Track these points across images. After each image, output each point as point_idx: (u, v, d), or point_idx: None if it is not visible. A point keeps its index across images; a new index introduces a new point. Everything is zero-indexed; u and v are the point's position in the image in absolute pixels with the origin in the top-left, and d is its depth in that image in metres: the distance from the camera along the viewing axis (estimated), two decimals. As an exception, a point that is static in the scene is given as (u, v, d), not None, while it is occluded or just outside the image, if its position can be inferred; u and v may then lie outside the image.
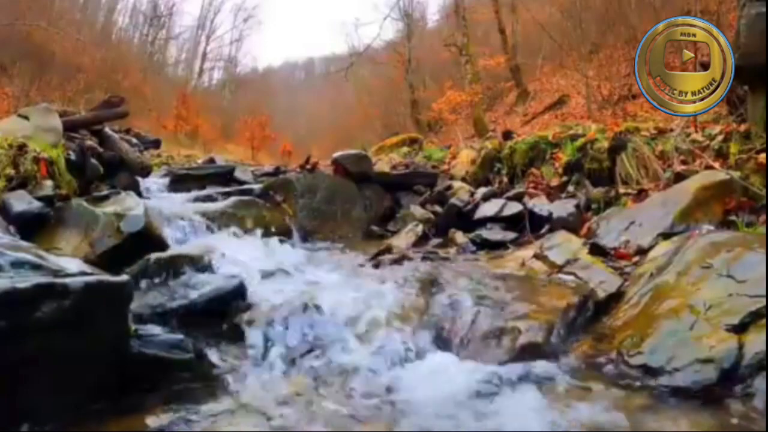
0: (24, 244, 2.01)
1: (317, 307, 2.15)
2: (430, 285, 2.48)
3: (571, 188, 4.23)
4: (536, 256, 2.83)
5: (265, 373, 1.86)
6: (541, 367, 1.85)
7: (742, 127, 3.45)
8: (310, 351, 1.99)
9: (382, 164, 5.56)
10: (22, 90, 14.55)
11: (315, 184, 4.33)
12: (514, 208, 3.87)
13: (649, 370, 1.74)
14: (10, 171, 2.93)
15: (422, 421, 1.57)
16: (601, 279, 2.39)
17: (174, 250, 2.63)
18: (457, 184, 4.76)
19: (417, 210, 4.28)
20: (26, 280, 1.43)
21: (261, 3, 49.63)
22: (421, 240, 3.73)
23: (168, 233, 2.99)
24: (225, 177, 5.06)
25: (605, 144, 4.19)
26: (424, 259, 3.03)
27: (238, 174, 5.17)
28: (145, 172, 5.15)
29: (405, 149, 8.04)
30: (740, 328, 1.72)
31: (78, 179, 3.70)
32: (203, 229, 3.31)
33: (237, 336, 2.03)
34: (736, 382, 1.61)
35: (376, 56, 23.39)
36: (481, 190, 4.40)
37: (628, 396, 1.67)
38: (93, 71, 19.48)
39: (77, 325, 1.48)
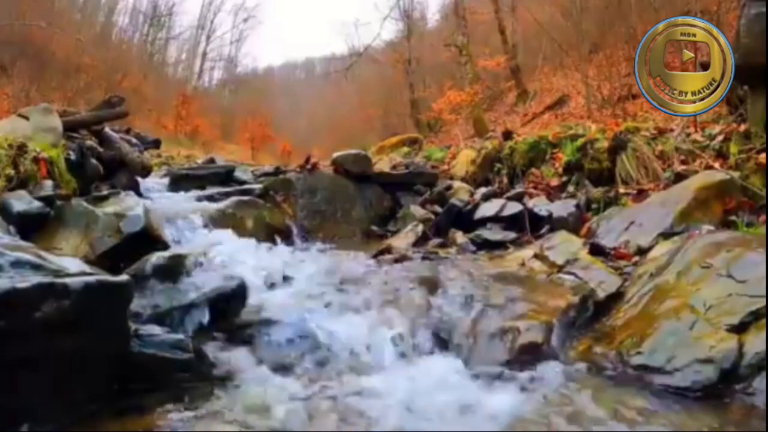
0: (24, 244, 2.01)
1: (317, 307, 2.15)
2: (430, 285, 2.48)
3: (571, 188, 4.24)
4: (536, 256, 2.82)
5: (265, 373, 1.85)
6: (540, 367, 1.85)
7: (742, 127, 3.45)
8: (309, 351, 1.99)
9: (382, 164, 5.55)
10: (22, 90, 14.55)
11: (315, 184, 4.33)
12: (514, 208, 3.86)
13: (649, 370, 1.75)
14: (10, 171, 2.93)
15: (421, 422, 1.57)
16: (601, 279, 2.39)
17: (174, 250, 2.62)
18: (457, 184, 4.76)
19: (417, 210, 4.27)
20: (26, 280, 1.42)
21: (261, 3, 49.64)
22: (421, 240, 3.72)
23: (168, 233, 2.98)
24: (225, 177, 5.04)
25: (605, 144, 4.19)
26: (424, 259, 3.03)
27: (238, 174, 5.15)
28: (145, 172, 5.13)
29: (405, 149, 8.03)
30: (740, 328, 1.73)
31: (78, 179, 3.69)
32: (203, 229, 3.30)
33: (237, 336, 2.03)
34: (736, 382, 1.61)
35: (376, 56, 23.39)
36: (481, 190, 4.40)
37: (628, 396, 1.67)
38: (93, 71, 19.49)
39: (77, 325, 1.48)
